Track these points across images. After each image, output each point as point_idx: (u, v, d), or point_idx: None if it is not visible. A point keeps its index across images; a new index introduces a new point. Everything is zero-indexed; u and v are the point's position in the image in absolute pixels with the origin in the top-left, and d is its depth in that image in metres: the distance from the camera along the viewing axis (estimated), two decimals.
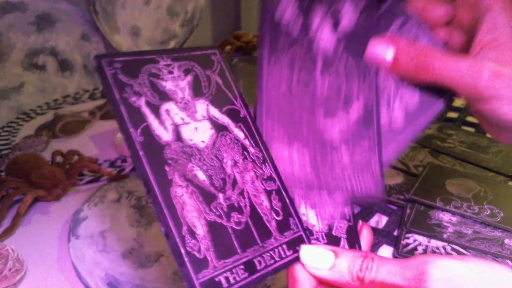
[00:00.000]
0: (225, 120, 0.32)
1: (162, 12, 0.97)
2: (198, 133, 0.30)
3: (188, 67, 0.32)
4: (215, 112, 0.32)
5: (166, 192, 0.27)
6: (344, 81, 0.35)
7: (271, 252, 0.30)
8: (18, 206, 0.55)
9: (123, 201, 0.57)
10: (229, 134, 0.32)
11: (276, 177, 0.33)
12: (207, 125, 0.31)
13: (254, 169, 0.32)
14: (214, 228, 0.28)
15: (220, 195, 0.29)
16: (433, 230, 0.52)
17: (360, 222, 0.35)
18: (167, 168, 0.28)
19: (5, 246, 0.48)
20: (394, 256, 0.50)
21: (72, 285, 0.47)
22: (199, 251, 0.27)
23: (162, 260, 0.48)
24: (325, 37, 0.35)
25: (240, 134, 0.32)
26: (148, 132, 0.28)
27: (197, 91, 0.32)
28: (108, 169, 0.65)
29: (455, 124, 0.81)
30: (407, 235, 0.52)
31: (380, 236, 0.53)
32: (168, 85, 0.31)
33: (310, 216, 0.33)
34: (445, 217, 0.55)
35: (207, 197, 0.29)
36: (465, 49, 0.35)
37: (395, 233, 0.54)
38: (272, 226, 0.31)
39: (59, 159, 0.66)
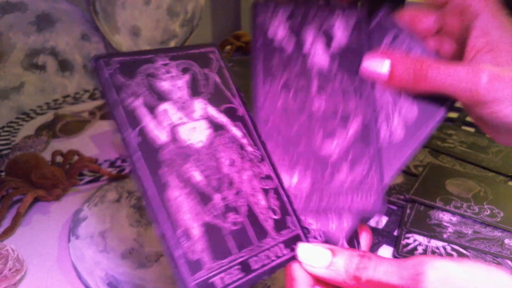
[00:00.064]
0: (223, 119, 0.32)
1: (162, 12, 0.97)
2: (196, 133, 0.30)
3: (186, 66, 0.32)
4: (213, 111, 0.32)
5: (161, 194, 0.27)
6: (341, 99, 0.35)
7: (267, 252, 0.29)
8: (18, 206, 0.55)
9: (123, 201, 0.57)
10: (226, 133, 0.32)
11: (274, 176, 0.32)
12: (204, 124, 0.31)
13: (252, 168, 0.31)
14: (210, 229, 0.28)
15: (217, 196, 0.29)
16: (433, 230, 0.52)
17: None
18: (163, 170, 0.28)
19: (5, 246, 0.49)
20: (394, 256, 0.50)
21: (72, 285, 0.47)
22: (194, 252, 0.27)
23: (162, 260, 0.48)
24: (319, 55, 0.35)
25: (238, 133, 0.32)
26: (144, 133, 0.28)
27: (195, 90, 0.32)
28: (108, 169, 0.65)
29: (455, 124, 0.81)
30: (407, 235, 0.52)
31: (380, 236, 0.53)
32: (166, 84, 0.31)
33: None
34: (445, 217, 0.55)
35: (204, 198, 0.29)
36: (457, 56, 0.35)
37: (395, 233, 0.54)
38: (269, 225, 0.30)
39: (59, 159, 0.66)
